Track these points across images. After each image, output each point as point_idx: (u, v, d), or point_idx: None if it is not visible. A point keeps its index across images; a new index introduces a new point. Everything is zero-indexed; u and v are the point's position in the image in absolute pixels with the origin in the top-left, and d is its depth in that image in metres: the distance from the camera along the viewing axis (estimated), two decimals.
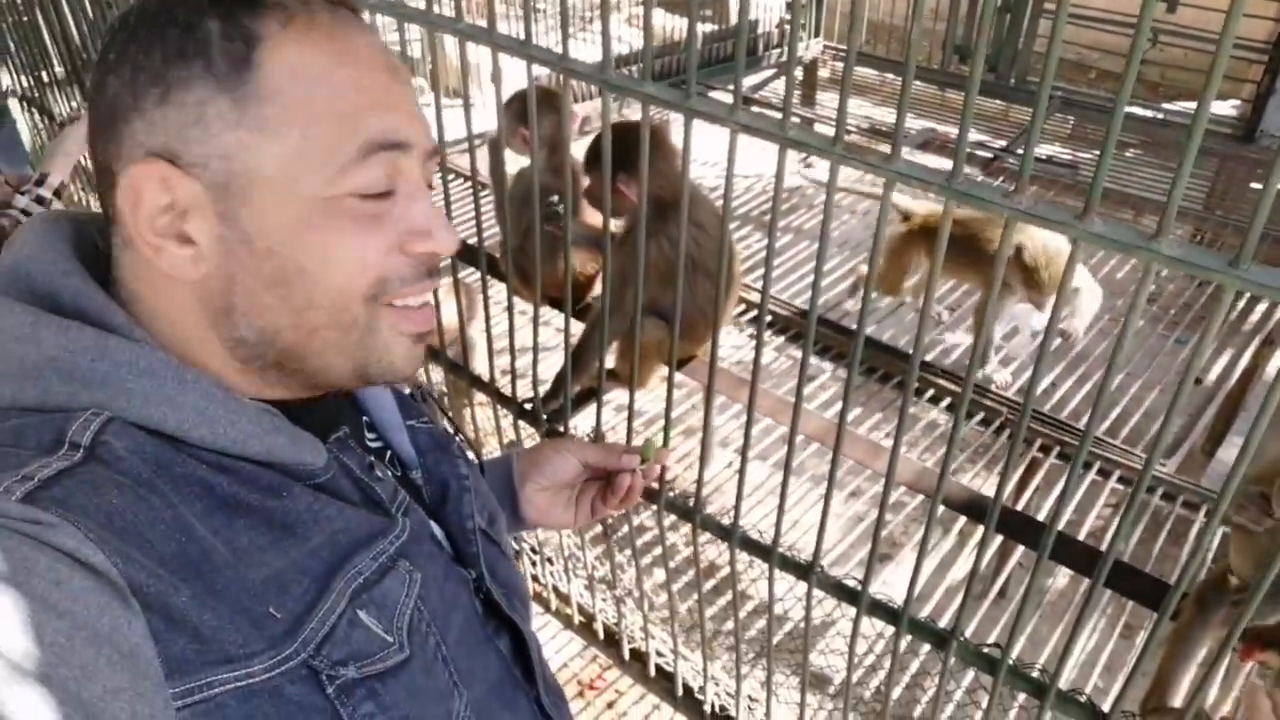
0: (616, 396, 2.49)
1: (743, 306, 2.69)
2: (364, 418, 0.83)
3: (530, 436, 2.02)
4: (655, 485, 1.66)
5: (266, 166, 0.63)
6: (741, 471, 1.50)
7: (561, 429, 1.84)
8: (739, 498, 1.56)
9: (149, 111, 0.62)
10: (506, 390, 1.92)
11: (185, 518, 0.60)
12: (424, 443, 0.85)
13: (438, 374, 2.21)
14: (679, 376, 1.98)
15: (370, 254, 0.67)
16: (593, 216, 2.03)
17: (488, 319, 1.78)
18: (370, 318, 0.69)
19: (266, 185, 0.64)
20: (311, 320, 0.67)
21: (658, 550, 2.08)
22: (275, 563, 0.62)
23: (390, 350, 0.71)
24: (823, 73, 4.73)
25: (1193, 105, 0.89)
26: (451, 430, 0.93)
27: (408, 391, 0.90)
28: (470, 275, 2.61)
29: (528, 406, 1.89)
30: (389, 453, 0.82)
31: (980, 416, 2.52)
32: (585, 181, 1.81)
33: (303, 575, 0.63)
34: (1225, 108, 4.54)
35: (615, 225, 1.66)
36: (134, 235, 0.64)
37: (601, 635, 2.45)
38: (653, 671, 2.32)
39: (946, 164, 1.14)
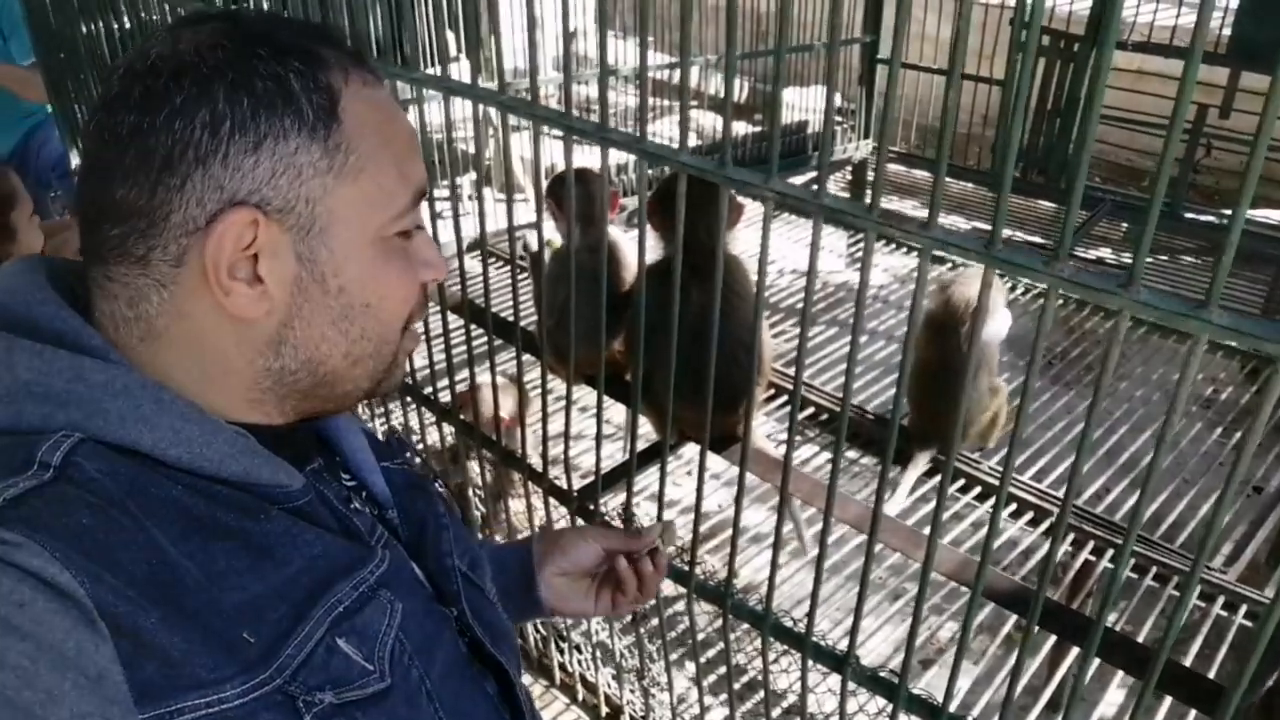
0: (651, 483, 2.44)
1: (772, 391, 2.64)
2: (336, 458, 0.84)
3: (562, 517, 1.99)
4: (680, 565, 1.61)
5: (344, 210, 0.68)
6: (774, 559, 1.44)
7: (592, 507, 1.80)
8: (770, 584, 1.49)
9: (234, 158, 0.64)
10: (544, 470, 1.89)
11: (157, 540, 0.60)
12: (399, 482, 0.86)
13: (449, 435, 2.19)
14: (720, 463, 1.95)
15: (411, 289, 0.75)
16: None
17: (537, 402, 1.77)
18: (399, 344, 0.76)
19: (344, 227, 0.69)
20: (361, 350, 0.73)
21: (690, 641, 2.00)
22: (252, 587, 0.63)
23: (399, 368, 0.78)
24: (873, 175, 4.76)
25: (1251, 213, 0.86)
26: (427, 473, 0.95)
27: (380, 436, 0.93)
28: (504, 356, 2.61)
29: (558, 482, 1.86)
30: (364, 492, 0.84)
31: (1029, 516, 2.43)
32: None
33: (280, 601, 0.64)
34: None
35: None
36: (198, 280, 0.66)
37: None
38: None
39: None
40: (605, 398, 1.58)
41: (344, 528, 0.74)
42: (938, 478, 2.46)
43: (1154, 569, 2.22)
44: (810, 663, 1.49)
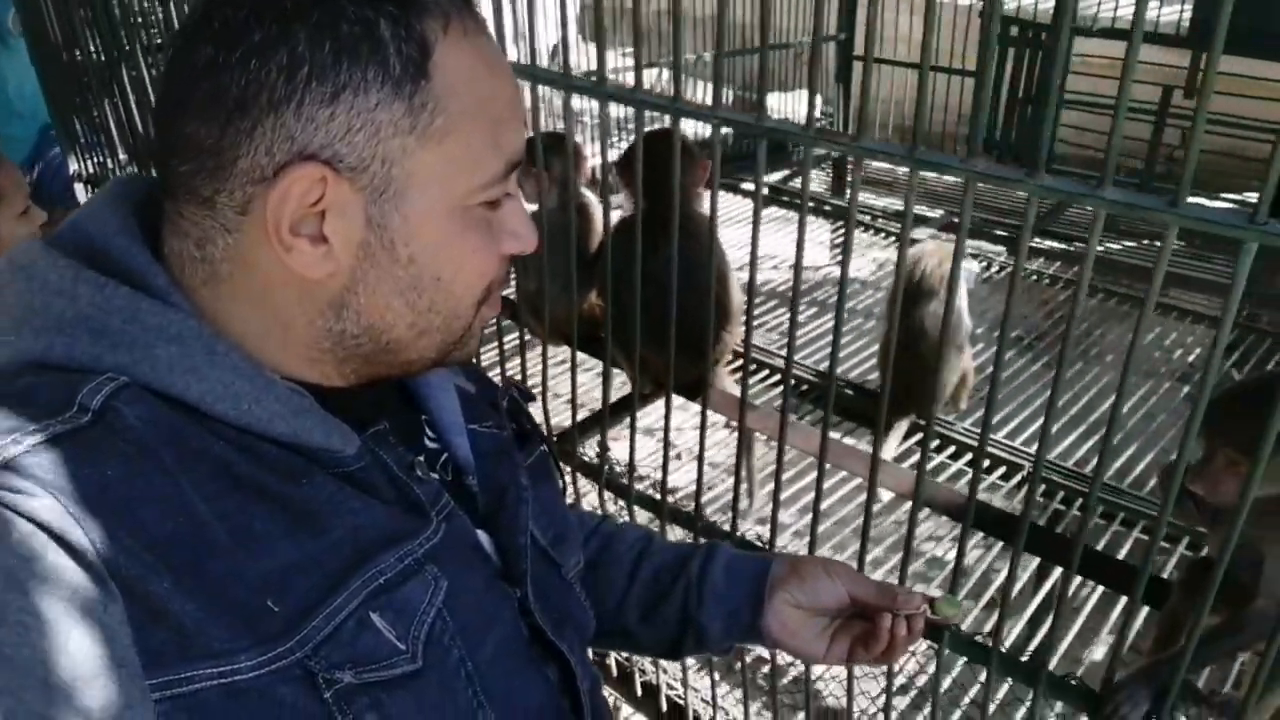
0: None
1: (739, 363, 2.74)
2: (423, 417, 0.80)
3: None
4: (653, 494, 1.69)
5: (424, 174, 0.63)
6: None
7: (600, 460, 1.88)
8: (734, 508, 1.59)
9: (309, 108, 0.59)
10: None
11: (188, 496, 0.57)
12: (485, 447, 0.81)
13: None
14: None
15: (491, 262, 0.69)
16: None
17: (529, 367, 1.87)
18: (474, 317, 0.71)
19: (422, 193, 0.63)
20: (428, 322, 0.68)
21: None
22: (286, 553, 0.60)
23: (473, 339, 0.74)
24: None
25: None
26: (539, 437, 0.89)
27: (503, 395, 0.88)
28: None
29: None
30: (445, 456, 0.79)
31: (1002, 471, 2.52)
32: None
33: (315, 569, 0.60)
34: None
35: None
36: (261, 231, 0.62)
37: None
38: None
39: (976, 247, 1.23)
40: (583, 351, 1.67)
41: (402, 496, 0.69)
42: (914, 439, 2.58)
43: (1121, 514, 2.31)
44: None
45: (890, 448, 2.60)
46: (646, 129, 1.49)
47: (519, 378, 1.89)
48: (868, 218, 3.97)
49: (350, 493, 0.65)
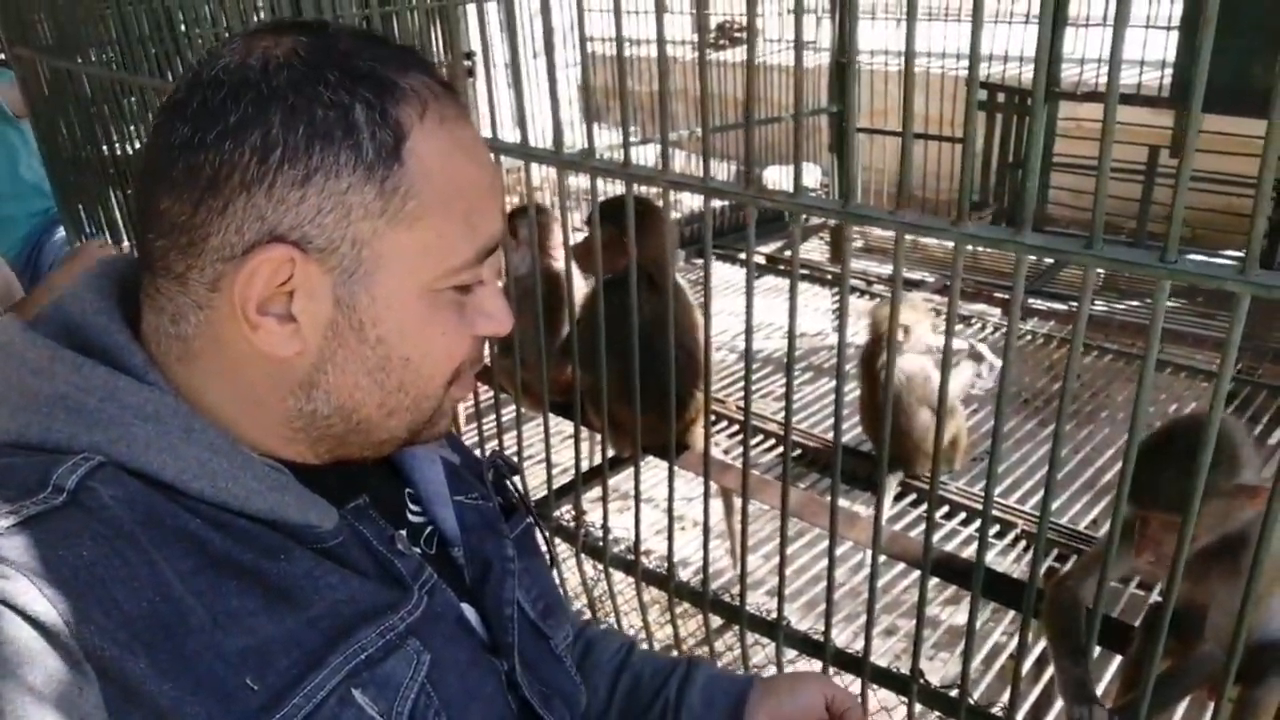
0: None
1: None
2: (407, 490, 0.80)
3: None
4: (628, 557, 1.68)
5: (394, 257, 0.63)
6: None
7: (575, 523, 1.88)
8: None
9: (280, 189, 0.60)
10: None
11: (164, 575, 0.56)
12: (470, 520, 0.80)
13: None
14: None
15: (461, 344, 0.69)
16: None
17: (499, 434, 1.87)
18: (444, 398, 0.71)
19: (390, 275, 0.63)
20: (397, 402, 0.68)
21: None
22: (265, 630, 0.59)
23: (444, 417, 0.73)
24: (857, 244, 4.92)
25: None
26: (523, 506, 0.89)
27: (488, 467, 0.87)
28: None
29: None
30: (430, 529, 0.79)
31: (995, 530, 2.51)
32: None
33: (294, 646, 0.60)
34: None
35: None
36: (231, 308, 0.62)
37: None
38: None
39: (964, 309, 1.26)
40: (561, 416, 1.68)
41: (381, 570, 0.68)
42: (906, 500, 2.60)
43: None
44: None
45: (884, 504, 2.60)
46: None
47: (495, 442, 1.88)
48: (864, 283, 3.99)
49: (329, 567, 0.64)
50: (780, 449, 2.88)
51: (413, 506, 0.79)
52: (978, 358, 2.83)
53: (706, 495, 1.62)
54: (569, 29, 5.73)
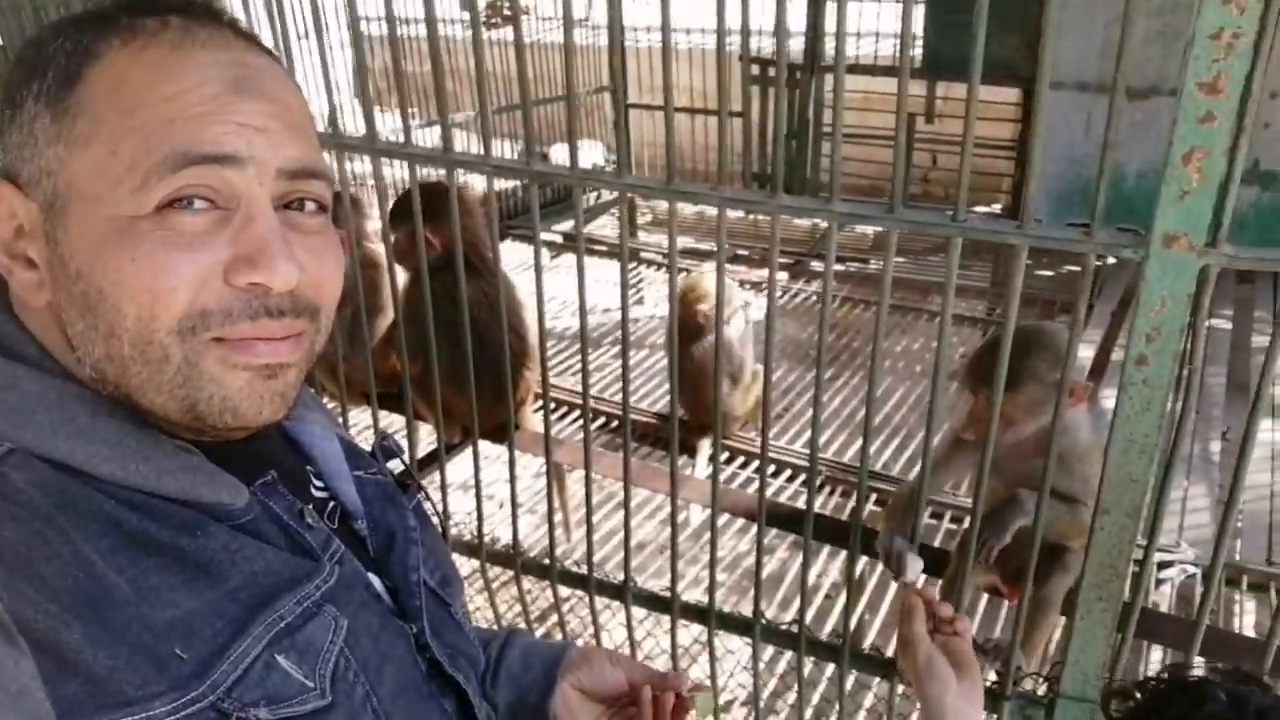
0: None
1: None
2: (309, 467, 0.80)
3: None
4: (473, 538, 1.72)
5: (78, 183, 0.60)
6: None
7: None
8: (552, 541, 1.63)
9: (4, 132, 0.62)
10: None
11: (85, 553, 0.57)
12: (371, 493, 0.82)
13: None
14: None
15: (175, 280, 0.60)
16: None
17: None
18: (187, 353, 0.62)
19: (78, 202, 0.60)
20: (119, 351, 0.62)
21: None
22: (186, 603, 0.60)
23: (223, 388, 0.64)
24: (646, 219, 5.07)
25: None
26: (414, 486, 0.89)
27: (375, 447, 0.89)
28: None
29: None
30: (333, 503, 0.79)
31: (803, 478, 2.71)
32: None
33: (216, 617, 0.61)
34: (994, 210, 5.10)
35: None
36: None
37: None
38: None
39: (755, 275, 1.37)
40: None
41: (293, 543, 0.69)
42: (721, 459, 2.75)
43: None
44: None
45: (700, 465, 2.76)
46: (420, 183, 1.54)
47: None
48: (657, 255, 4.13)
49: (245, 541, 0.65)
50: (601, 424, 2.98)
51: (316, 482, 0.80)
52: (745, 307, 2.98)
53: (549, 470, 1.68)
54: (340, 9, 5.55)
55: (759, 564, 1.50)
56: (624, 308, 1.45)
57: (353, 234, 1.71)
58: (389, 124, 4.55)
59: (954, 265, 1.21)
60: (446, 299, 1.58)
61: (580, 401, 2.89)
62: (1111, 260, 1.17)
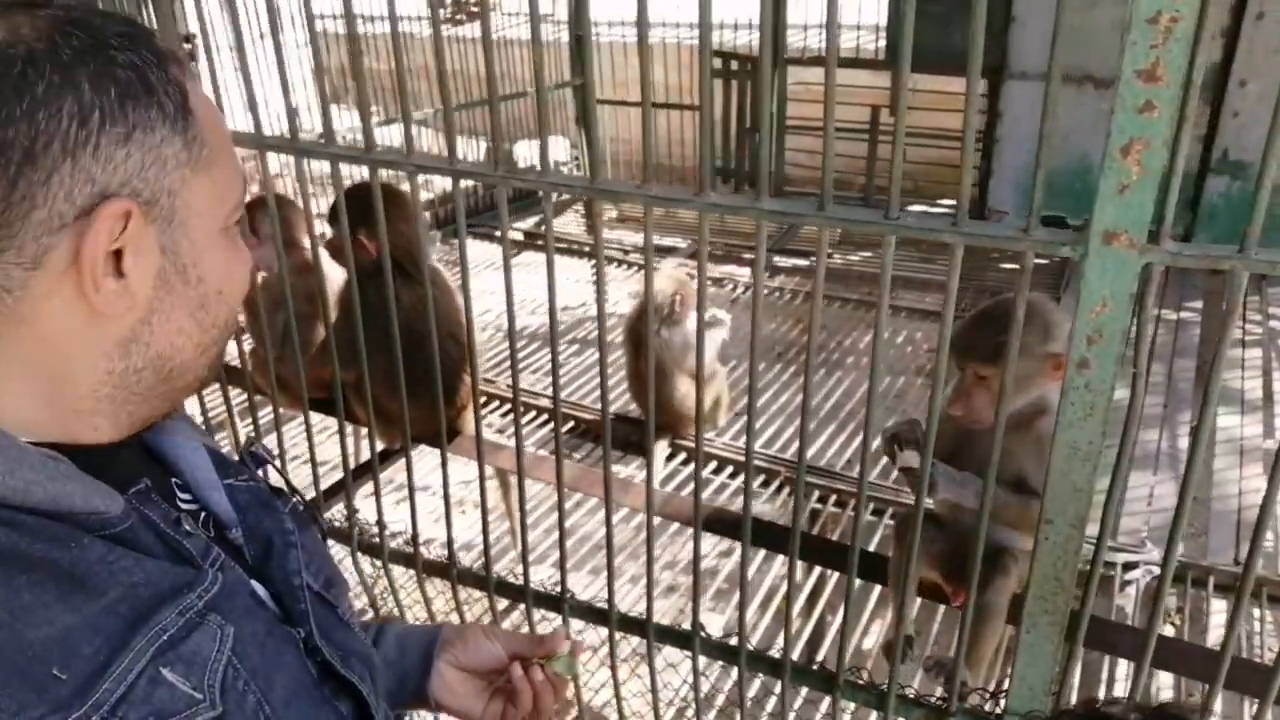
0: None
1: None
2: (174, 480, 0.79)
3: None
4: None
5: (199, 201, 0.68)
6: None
7: (348, 521, 1.82)
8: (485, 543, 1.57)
9: (105, 149, 0.62)
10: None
11: None
12: (244, 500, 0.82)
13: None
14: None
15: (246, 273, 0.75)
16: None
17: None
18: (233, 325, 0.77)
19: (200, 218, 0.69)
20: (210, 338, 0.73)
21: None
22: (61, 620, 0.59)
23: (223, 354, 0.79)
24: (611, 215, 5.00)
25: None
26: (289, 491, 0.90)
27: (243, 454, 0.89)
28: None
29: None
30: (204, 514, 0.79)
31: (761, 479, 2.65)
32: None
33: (95, 633, 0.60)
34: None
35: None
36: (55, 282, 0.63)
37: None
38: None
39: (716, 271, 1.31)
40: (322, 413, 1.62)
41: (173, 553, 0.69)
42: (677, 460, 2.70)
43: (871, 504, 2.46)
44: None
45: (655, 468, 2.70)
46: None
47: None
48: (620, 253, 4.07)
49: (121, 552, 0.64)
50: (552, 424, 2.92)
51: (182, 495, 0.78)
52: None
53: (482, 478, 1.61)
54: (297, 8, 5.47)
55: (696, 574, 1.45)
56: (600, 306, 1.39)
57: (278, 238, 1.63)
58: (348, 122, 4.47)
59: (888, 262, 1.15)
60: (380, 304, 1.52)
61: (529, 402, 2.90)
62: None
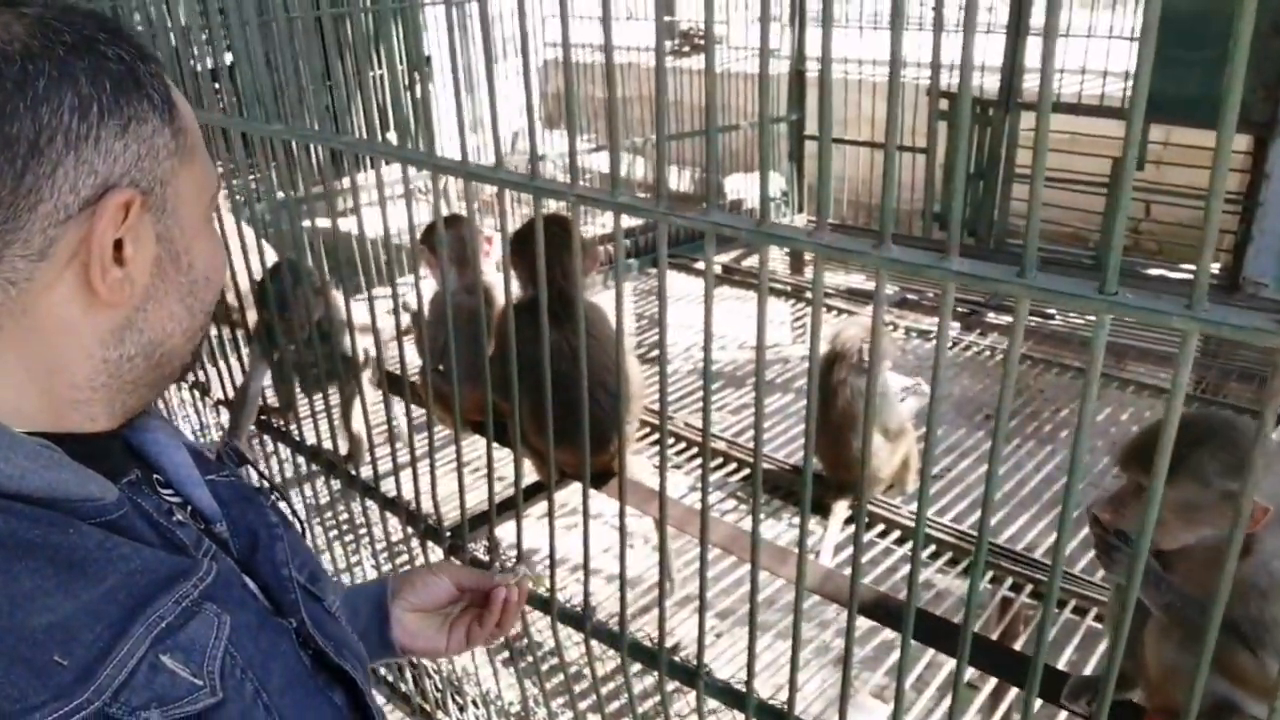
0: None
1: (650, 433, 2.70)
2: (155, 476, 0.79)
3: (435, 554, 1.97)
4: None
5: (187, 189, 0.71)
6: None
7: (461, 545, 1.77)
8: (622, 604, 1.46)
9: (106, 142, 0.65)
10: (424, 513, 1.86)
11: None
12: (226, 495, 0.83)
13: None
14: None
15: (225, 260, 0.79)
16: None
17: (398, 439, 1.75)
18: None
19: (187, 206, 0.72)
20: (198, 324, 0.76)
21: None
22: (62, 606, 0.59)
23: (204, 342, 0.82)
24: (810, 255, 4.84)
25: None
26: (269, 489, 0.93)
27: (209, 452, 0.90)
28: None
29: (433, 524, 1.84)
30: (189, 508, 0.80)
31: (949, 557, 2.41)
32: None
33: (95, 620, 0.60)
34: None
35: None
36: (57, 273, 0.65)
37: None
38: None
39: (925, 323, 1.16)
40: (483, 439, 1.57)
41: (165, 540, 0.70)
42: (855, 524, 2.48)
43: (1073, 601, 2.18)
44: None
45: (831, 532, 2.51)
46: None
47: (425, 463, 1.76)
48: (827, 294, 3.90)
49: (118, 540, 0.65)
50: (731, 470, 2.77)
51: (164, 490, 0.79)
52: (915, 390, 2.77)
53: (623, 536, 1.50)
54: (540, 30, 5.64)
55: (847, 671, 1.27)
56: (760, 344, 1.28)
57: (445, 266, 1.60)
58: (559, 146, 4.54)
59: (1099, 348, 0.96)
60: (531, 338, 1.45)
61: (719, 447, 2.78)
62: None
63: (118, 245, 0.66)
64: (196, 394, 2.42)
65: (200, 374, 2.36)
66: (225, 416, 2.37)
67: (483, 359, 1.56)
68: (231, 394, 2.32)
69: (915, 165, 4.31)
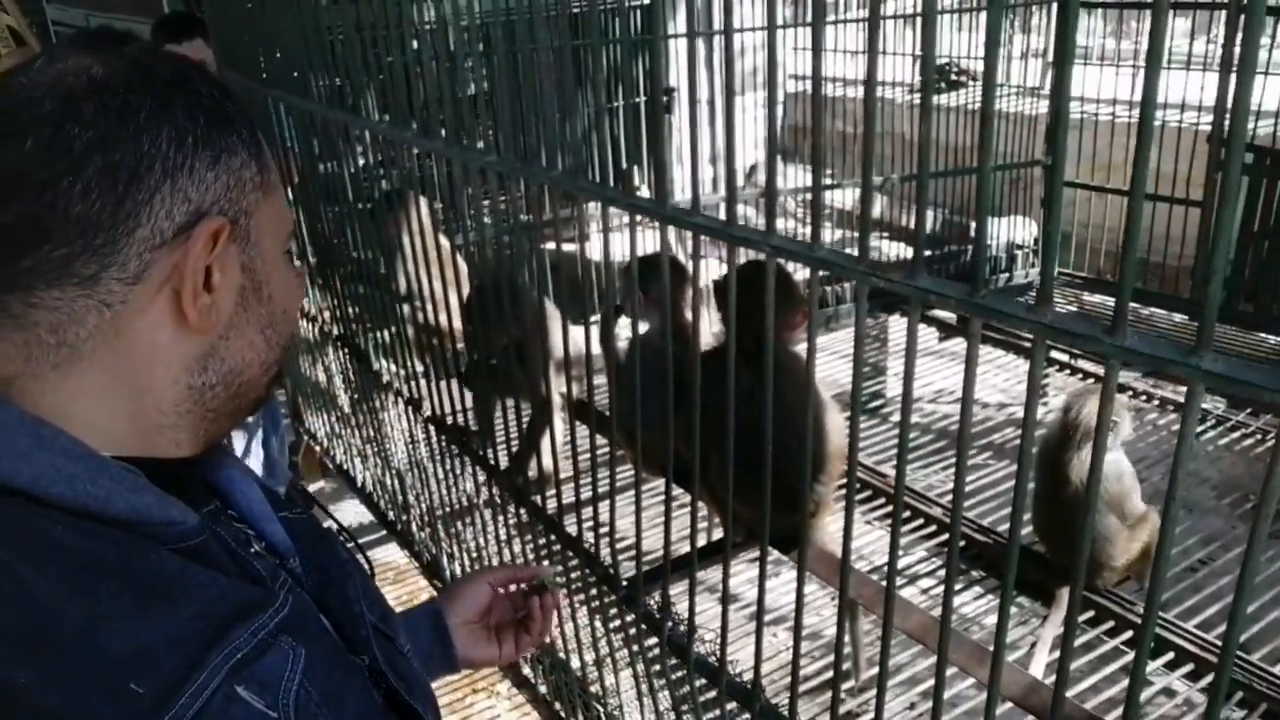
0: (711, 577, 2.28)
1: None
2: (229, 511, 0.81)
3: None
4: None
5: (268, 223, 0.74)
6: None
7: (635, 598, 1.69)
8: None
9: (199, 171, 0.68)
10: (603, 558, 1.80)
11: (30, 585, 0.57)
12: (300, 531, 0.84)
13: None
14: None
15: (302, 294, 0.84)
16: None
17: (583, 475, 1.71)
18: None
19: (268, 238, 0.74)
20: (274, 356, 0.77)
21: None
22: (141, 632, 0.59)
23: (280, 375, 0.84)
24: (1072, 306, 4.46)
25: None
26: (338, 529, 0.97)
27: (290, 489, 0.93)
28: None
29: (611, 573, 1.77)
30: (263, 542, 0.81)
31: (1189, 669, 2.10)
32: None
33: (173, 648, 0.60)
34: None
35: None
36: (150, 297, 0.67)
37: None
38: None
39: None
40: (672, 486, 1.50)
41: (243, 571, 0.71)
42: (1083, 617, 2.21)
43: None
44: None
45: (1052, 623, 2.25)
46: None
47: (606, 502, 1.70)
48: (1065, 356, 3.59)
49: (197, 567, 0.65)
50: (940, 537, 2.58)
51: (238, 524, 0.80)
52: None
53: (799, 614, 1.36)
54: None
55: None
56: (907, 394, 1.14)
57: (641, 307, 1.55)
58: (793, 181, 4.43)
59: (1193, 419, 0.78)
60: (716, 386, 1.36)
61: (930, 512, 2.58)
62: None
63: (206, 272, 0.69)
64: (411, 409, 2.47)
65: (413, 390, 2.40)
66: (434, 432, 2.40)
67: (668, 404, 1.49)
68: (443, 414, 2.35)
69: (1189, 219, 3.90)
